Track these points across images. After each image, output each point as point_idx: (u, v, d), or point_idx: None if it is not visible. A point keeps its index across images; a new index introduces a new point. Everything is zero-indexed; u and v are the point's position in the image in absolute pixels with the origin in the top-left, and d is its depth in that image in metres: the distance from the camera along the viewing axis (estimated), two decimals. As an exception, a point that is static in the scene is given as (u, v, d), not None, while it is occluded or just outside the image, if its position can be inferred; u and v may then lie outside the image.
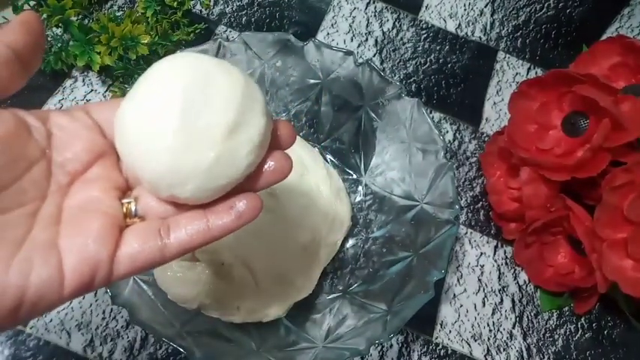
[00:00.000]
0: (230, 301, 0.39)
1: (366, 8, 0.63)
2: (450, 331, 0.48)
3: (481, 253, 0.52)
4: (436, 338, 0.48)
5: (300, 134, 0.49)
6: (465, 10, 0.65)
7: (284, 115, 0.50)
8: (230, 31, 0.59)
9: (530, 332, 0.49)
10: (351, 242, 0.48)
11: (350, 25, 0.61)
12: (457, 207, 0.41)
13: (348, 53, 0.45)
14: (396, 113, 0.45)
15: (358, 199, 0.49)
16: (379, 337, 0.37)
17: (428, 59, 0.61)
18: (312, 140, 0.51)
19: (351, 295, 0.44)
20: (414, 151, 0.45)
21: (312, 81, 0.48)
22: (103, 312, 0.44)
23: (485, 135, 0.58)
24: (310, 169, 0.45)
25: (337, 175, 0.48)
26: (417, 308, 0.38)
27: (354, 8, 0.63)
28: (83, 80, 0.53)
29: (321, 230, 0.44)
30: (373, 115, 0.47)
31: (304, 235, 0.42)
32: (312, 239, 0.43)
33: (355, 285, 0.45)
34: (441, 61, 0.61)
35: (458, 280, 0.51)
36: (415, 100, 0.44)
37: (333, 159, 0.51)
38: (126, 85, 0.51)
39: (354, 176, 0.50)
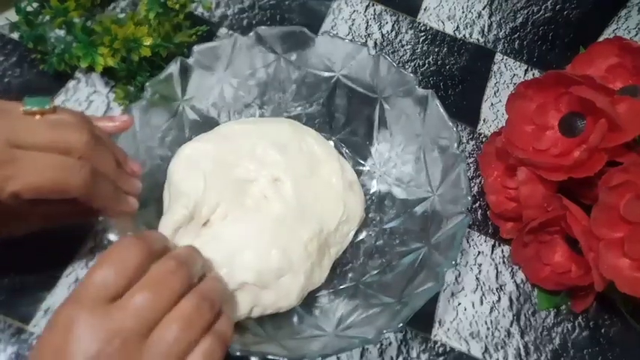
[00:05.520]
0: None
1: (365, 11, 0.63)
2: (449, 329, 0.49)
3: (479, 252, 0.53)
4: (434, 336, 0.48)
5: (315, 127, 0.50)
6: (463, 12, 0.66)
7: (299, 108, 0.51)
8: (231, 33, 0.59)
9: (528, 330, 0.50)
10: (364, 234, 0.48)
11: (350, 28, 0.62)
12: (469, 198, 0.41)
13: (362, 45, 0.45)
14: (409, 105, 0.46)
15: (372, 190, 0.50)
16: (389, 327, 0.37)
17: (426, 61, 0.62)
18: (327, 133, 0.51)
19: (364, 286, 0.45)
20: (427, 142, 0.46)
21: (326, 74, 0.48)
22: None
23: (482, 136, 0.59)
24: (323, 164, 0.46)
25: (350, 167, 0.49)
26: (427, 298, 0.38)
27: (354, 11, 0.63)
28: (86, 81, 0.53)
29: (332, 222, 0.44)
30: (387, 107, 0.48)
31: (314, 226, 0.43)
32: (321, 230, 0.43)
33: (367, 275, 0.46)
34: (439, 62, 0.62)
35: (456, 278, 0.51)
36: (429, 92, 0.44)
37: (347, 151, 0.52)
38: (129, 87, 0.51)
39: (368, 168, 0.51)
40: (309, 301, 0.44)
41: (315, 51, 0.47)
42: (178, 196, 0.42)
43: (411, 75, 0.45)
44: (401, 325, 0.37)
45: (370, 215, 0.49)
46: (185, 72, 0.44)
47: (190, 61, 0.44)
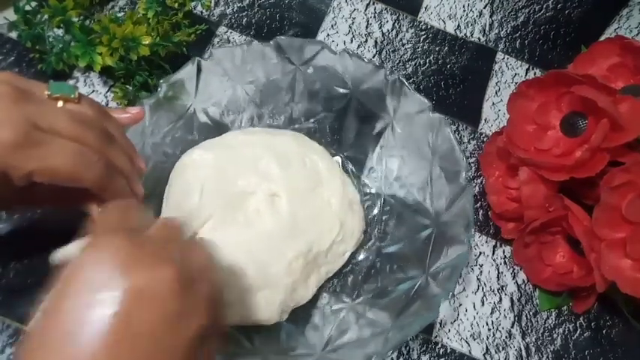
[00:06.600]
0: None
1: (365, 9, 0.63)
2: (449, 330, 0.48)
3: (480, 253, 0.52)
4: (435, 337, 0.48)
5: (323, 142, 0.49)
6: (464, 11, 0.65)
7: (310, 121, 0.51)
8: (231, 32, 0.59)
9: (529, 331, 0.50)
10: (361, 255, 0.48)
11: (350, 27, 0.62)
12: (472, 230, 0.41)
13: (379, 67, 0.45)
14: (420, 129, 0.45)
15: (375, 211, 0.49)
16: (377, 353, 0.37)
17: (427, 60, 0.61)
18: (334, 149, 0.51)
19: (356, 307, 0.44)
20: (435, 169, 0.45)
21: (341, 90, 0.48)
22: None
23: (484, 135, 0.58)
24: (325, 182, 0.45)
25: (353, 186, 0.48)
26: (422, 327, 0.38)
27: (354, 9, 0.63)
28: (85, 81, 0.53)
29: (325, 241, 0.43)
30: (398, 129, 0.47)
31: (302, 245, 0.42)
32: (310, 249, 0.43)
33: (361, 298, 0.45)
34: (440, 61, 0.62)
35: (457, 279, 0.51)
36: (442, 118, 0.44)
37: (353, 169, 0.51)
38: (127, 86, 0.51)
39: (373, 189, 0.50)
40: (297, 317, 0.43)
41: (332, 67, 0.46)
42: (173, 206, 0.43)
43: (426, 100, 0.44)
44: (390, 352, 0.37)
45: (370, 237, 0.48)
46: (199, 73, 0.44)
47: (206, 62, 0.44)
